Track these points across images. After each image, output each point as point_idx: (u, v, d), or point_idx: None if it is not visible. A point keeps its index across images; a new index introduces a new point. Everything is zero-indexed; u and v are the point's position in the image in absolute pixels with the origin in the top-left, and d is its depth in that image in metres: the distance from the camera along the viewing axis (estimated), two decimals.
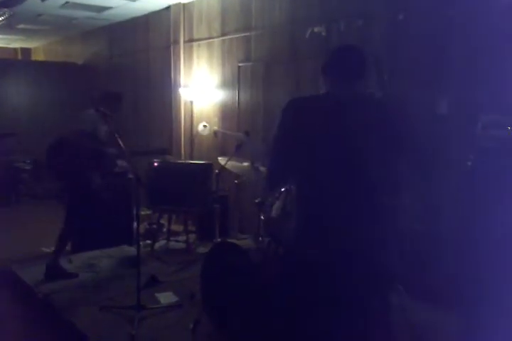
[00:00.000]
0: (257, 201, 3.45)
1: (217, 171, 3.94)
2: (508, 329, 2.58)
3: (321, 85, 2.38)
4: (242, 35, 5.38)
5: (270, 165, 2.40)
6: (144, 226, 5.31)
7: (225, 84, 5.68)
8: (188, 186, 4.93)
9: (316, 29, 4.57)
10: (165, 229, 5.44)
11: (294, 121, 2.26)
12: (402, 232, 2.61)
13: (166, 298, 3.73)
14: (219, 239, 3.77)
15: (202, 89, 5.87)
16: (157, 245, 5.06)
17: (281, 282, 2.47)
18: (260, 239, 3.29)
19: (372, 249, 2.15)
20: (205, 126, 5.70)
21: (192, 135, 6.13)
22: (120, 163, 4.17)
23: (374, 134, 2.13)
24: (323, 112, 2.21)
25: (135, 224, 4.60)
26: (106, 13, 6.84)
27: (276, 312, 2.88)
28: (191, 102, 6.09)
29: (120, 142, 3.52)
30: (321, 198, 2.18)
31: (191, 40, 6.14)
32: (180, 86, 6.27)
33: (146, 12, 6.82)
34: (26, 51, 10.83)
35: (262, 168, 3.78)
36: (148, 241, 4.94)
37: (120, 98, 4.33)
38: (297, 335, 2.32)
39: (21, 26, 7.93)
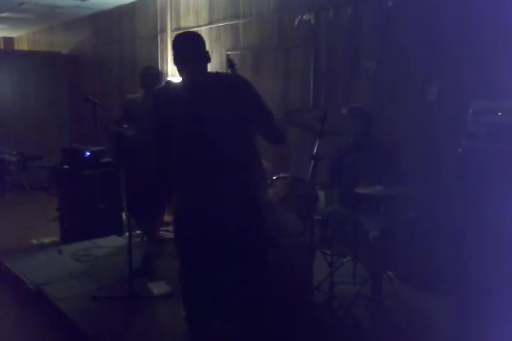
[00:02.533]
0: None
1: None
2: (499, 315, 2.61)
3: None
4: (230, 23, 5.34)
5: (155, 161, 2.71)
6: None
7: None
8: None
9: (304, 17, 4.55)
10: None
11: (158, 111, 2.57)
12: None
13: (158, 287, 3.72)
14: None
15: None
16: None
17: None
18: None
19: (244, 213, 2.50)
20: None
21: None
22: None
23: (225, 110, 2.41)
24: (181, 98, 2.48)
25: (124, 214, 4.60)
26: (91, 1, 6.74)
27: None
28: None
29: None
30: (193, 178, 2.50)
31: (179, 29, 6.08)
32: (167, 75, 6.22)
33: (132, 0, 6.74)
34: (9, 40, 10.66)
35: None
36: (138, 232, 4.92)
37: None
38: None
39: (3, 15, 7.79)
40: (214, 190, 2.46)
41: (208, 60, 2.59)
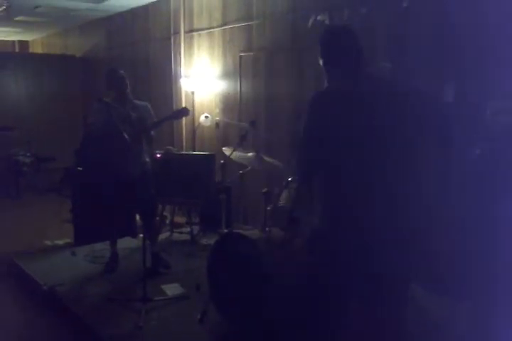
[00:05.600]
0: (263, 191, 3.42)
1: (222, 161, 3.90)
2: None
3: (324, 76, 2.29)
4: (244, 24, 5.32)
5: (302, 161, 2.27)
6: None
7: (226, 74, 5.63)
8: (191, 177, 4.90)
9: (319, 17, 4.51)
10: (168, 221, 5.42)
11: (320, 115, 2.16)
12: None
13: (172, 289, 3.72)
14: (225, 230, 3.74)
15: (203, 80, 5.83)
16: (161, 237, 5.04)
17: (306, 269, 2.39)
18: (267, 229, 3.26)
19: (400, 241, 2.07)
20: (206, 117, 5.66)
21: (194, 126, 6.09)
22: None
23: (398, 121, 2.07)
24: (344, 105, 2.12)
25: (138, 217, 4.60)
26: (104, 4, 6.76)
27: (285, 301, 2.86)
28: (192, 93, 6.04)
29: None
30: (350, 191, 2.11)
31: (192, 31, 6.08)
32: (181, 77, 6.22)
33: (145, 2, 6.75)
34: (24, 44, 10.74)
35: (267, 158, 3.75)
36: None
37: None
38: (307, 324, 2.30)
39: (19, 18, 7.84)
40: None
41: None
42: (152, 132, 4.02)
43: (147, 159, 4.15)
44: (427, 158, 2.25)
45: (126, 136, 3.52)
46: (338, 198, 2.14)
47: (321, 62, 2.29)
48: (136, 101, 4.08)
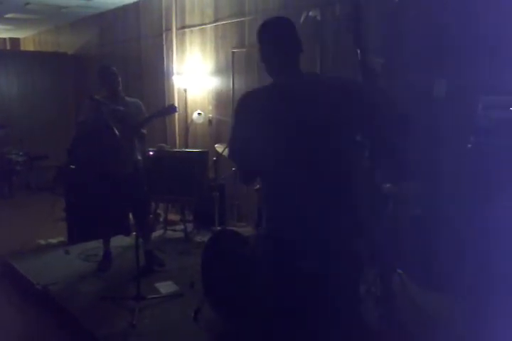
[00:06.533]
0: (256, 188, 3.41)
1: (214, 159, 3.89)
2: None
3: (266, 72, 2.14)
4: (236, 20, 5.30)
5: (240, 166, 2.21)
6: None
7: (218, 70, 5.61)
8: (184, 175, 4.89)
9: (310, 13, 4.50)
10: (162, 219, 5.40)
11: (249, 118, 2.05)
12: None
13: (166, 287, 3.71)
14: (219, 227, 3.73)
15: (195, 77, 5.80)
16: (154, 235, 5.02)
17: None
18: (260, 226, 3.26)
19: (349, 236, 2.01)
20: (199, 113, 5.64)
21: (186, 123, 6.07)
22: None
23: (332, 117, 1.95)
24: (275, 104, 2.00)
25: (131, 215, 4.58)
26: (96, 0, 6.72)
27: (277, 300, 2.85)
28: (185, 90, 6.02)
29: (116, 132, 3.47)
30: (290, 191, 2.00)
31: (184, 27, 6.05)
32: (173, 74, 6.20)
33: None
34: (15, 41, 10.68)
35: None
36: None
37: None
38: (297, 322, 2.29)
39: (9, 15, 7.80)
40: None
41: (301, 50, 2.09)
42: (144, 130, 4.00)
43: (139, 157, 4.13)
44: (374, 151, 2.15)
45: (117, 133, 3.50)
46: (279, 198, 2.05)
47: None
48: (128, 98, 4.06)
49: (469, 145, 2.91)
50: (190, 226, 5.16)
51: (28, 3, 6.84)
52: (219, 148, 3.84)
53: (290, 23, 2.07)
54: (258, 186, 3.47)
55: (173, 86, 6.25)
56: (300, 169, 1.97)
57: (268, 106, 2.00)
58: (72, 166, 4.98)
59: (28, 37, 10.45)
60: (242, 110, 2.07)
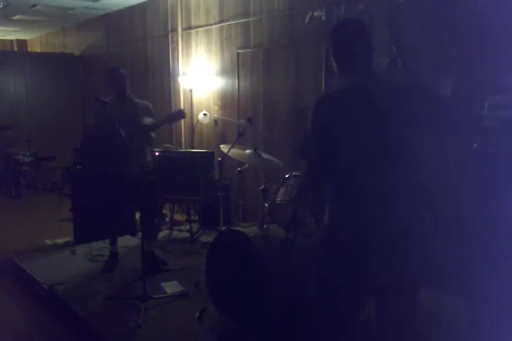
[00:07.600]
0: (261, 188, 3.42)
1: (219, 159, 3.90)
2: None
3: (335, 73, 2.18)
4: (241, 21, 5.30)
5: (312, 167, 2.18)
6: None
7: (224, 71, 5.62)
8: (190, 175, 4.90)
9: (315, 13, 4.50)
10: (167, 219, 5.42)
11: (326, 119, 2.09)
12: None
13: (171, 287, 3.72)
14: (224, 228, 3.73)
15: (201, 77, 5.81)
16: (160, 235, 5.04)
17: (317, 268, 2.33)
18: (265, 226, 3.26)
19: (416, 236, 2.00)
20: (205, 114, 5.65)
21: (192, 124, 6.08)
22: None
23: (405, 118, 1.98)
24: (355, 104, 2.04)
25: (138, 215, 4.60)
26: (102, 2, 6.75)
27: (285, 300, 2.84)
28: (190, 90, 6.03)
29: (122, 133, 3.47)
30: (362, 191, 2.02)
31: (189, 28, 6.07)
32: (179, 74, 6.21)
33: (142, 0, 6.74)
34: (22, 43, 10.73)
35: (265, 155, 3.74)
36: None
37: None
38: (306, 323, 2.28)
39: (16, 17, 7.84)
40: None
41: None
42: (152, 133, 4.02)
43: (149, 158, 4.14)
44: (439, 153, 2.18)
45: (123, 135, 3.51)
46: (351, 199, 2.06)
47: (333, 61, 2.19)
48: (137, 100, 4.07)
49: (475, 145, 2.89)
50: (195, 227, 5.17)
51: (35, 5, 6.88)
52: (224, 148, 3.84)
53: (361, 23, 2.15)
54: (263, 186, 3.48)
55: (179, 86, 6.27)
56: (384, 168, 1.99)
57: (348, 107, 2.03)
58: (79, 167, 5.00)
59: (34, 38, 10.50)
60: (321, 112, 2.09)
